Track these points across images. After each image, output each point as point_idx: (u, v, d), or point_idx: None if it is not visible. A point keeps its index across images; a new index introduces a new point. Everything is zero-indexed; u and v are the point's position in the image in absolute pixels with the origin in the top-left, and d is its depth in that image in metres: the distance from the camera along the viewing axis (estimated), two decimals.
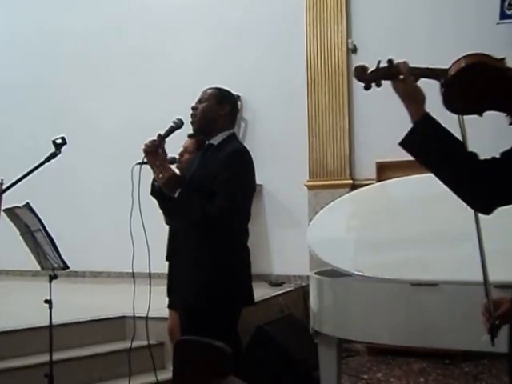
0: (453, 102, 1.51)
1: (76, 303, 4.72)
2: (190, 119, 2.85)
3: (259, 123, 6.04)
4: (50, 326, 3.07)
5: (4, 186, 4.03)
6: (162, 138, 2.67)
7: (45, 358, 3.16)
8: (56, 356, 3.16)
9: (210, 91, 2.86)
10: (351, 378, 4.39)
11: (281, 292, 5.14)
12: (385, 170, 5.06)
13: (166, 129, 2.70)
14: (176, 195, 2.59)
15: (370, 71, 1.59)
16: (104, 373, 3.64)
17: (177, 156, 3.34)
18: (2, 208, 3.67)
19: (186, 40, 6.50)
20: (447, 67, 1.49)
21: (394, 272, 2.96)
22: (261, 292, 4.64)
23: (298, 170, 5.78)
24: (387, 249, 3.21)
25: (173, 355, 2.54)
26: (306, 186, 5.74)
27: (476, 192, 1.50)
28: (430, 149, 1.53)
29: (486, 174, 1.47)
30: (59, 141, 2.74)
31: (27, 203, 3.14)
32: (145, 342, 3.52)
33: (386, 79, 1.57)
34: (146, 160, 2.75)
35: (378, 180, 4.91)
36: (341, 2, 5.70)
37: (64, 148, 2.78)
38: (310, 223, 3.90)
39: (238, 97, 6.16)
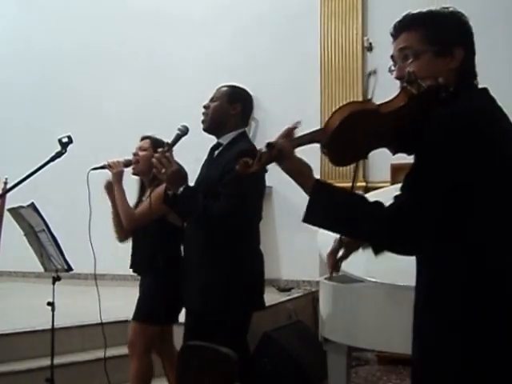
0: (339, 158, 1.57)
1: (79, 306, 4.65)
2: (202, 118, 2.84)
3: (270, 123, 5.91)
4: (52, 329, 3.05)
5: (8, 185, 4.01)
6: (170, 147, 2.67)
7: (46, 361, 3.13)
8: (57, 360, 3.15)
9: (222, 89, 2.85)
10: None
11: (289, 297, 5.08)
12: (400, 173, 4.90)
13: (173, 137, 2.74)
14: (179, 192, 2.57)
15: (253, 163, 1.51)
16: (106, 378, 3.56)
17: (132, 157, 3.29)
18: (7, 207, 3.63)
19: (198, 37, 6.44)
20: (321, 127, 1.48)
21: (408, 278, 2.86)
22: (269, 297, 4.47)
23: None
24: None
25: (177, 361, 2.48)
26: None
27: (398, 237, 1.44)
28: (335, 213, 1.50)
29: (400, 216, 1.42)
30: (65, 139, 2.66)
31: (32, 203, 3.11)
32: None
33: (270, 163, 1.52)
34: (102, 165, 3.14)
35: (393, 183, 4.81)
36: None
37: (70, 147, 2.70)
38: None
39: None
